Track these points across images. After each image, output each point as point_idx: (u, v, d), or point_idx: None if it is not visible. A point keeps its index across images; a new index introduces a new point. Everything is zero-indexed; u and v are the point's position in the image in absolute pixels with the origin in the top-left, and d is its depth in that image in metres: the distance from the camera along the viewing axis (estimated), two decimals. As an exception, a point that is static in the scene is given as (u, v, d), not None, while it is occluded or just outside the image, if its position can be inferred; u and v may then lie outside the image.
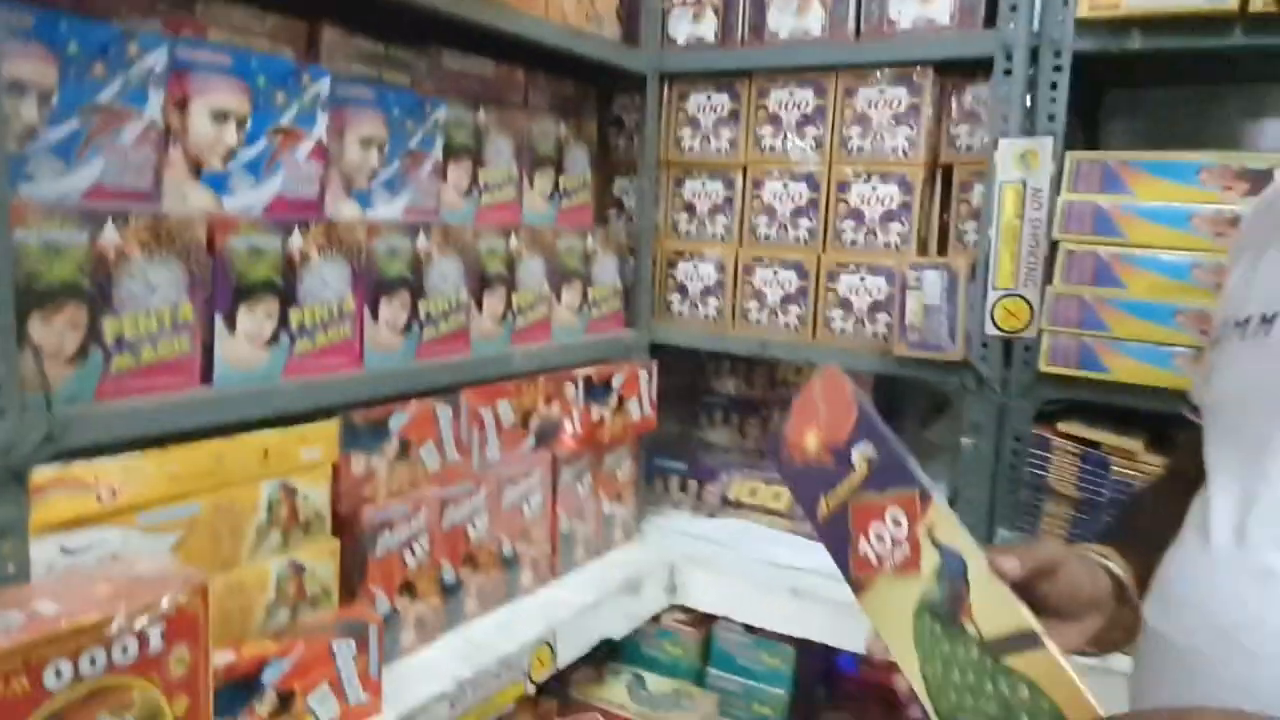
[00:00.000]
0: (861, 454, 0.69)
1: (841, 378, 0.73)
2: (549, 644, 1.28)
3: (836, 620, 1.41)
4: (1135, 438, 1.24)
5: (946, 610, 0.63)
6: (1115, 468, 1.22)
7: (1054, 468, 1.27)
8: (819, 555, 1.56)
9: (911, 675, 0.65)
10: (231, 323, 0.97)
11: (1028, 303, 1.29)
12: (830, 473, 0.70)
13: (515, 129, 1.40)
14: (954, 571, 0.63)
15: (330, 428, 1.05)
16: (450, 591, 1.23)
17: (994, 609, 0.61)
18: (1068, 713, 0.58)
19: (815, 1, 1.47)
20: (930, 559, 0.65)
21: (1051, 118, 1.26)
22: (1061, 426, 1.28)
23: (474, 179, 1.33)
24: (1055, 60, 1.25)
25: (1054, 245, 1.26)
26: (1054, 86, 1.26)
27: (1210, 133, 1.53)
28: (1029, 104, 1.29)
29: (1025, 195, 1.28)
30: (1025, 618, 0.60)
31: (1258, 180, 1.12)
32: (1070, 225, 1.24)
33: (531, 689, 1.24)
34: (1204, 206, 1.15)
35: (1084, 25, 1.21)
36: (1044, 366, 1.27)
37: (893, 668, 1.51)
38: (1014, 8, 1.27)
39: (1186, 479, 0.75)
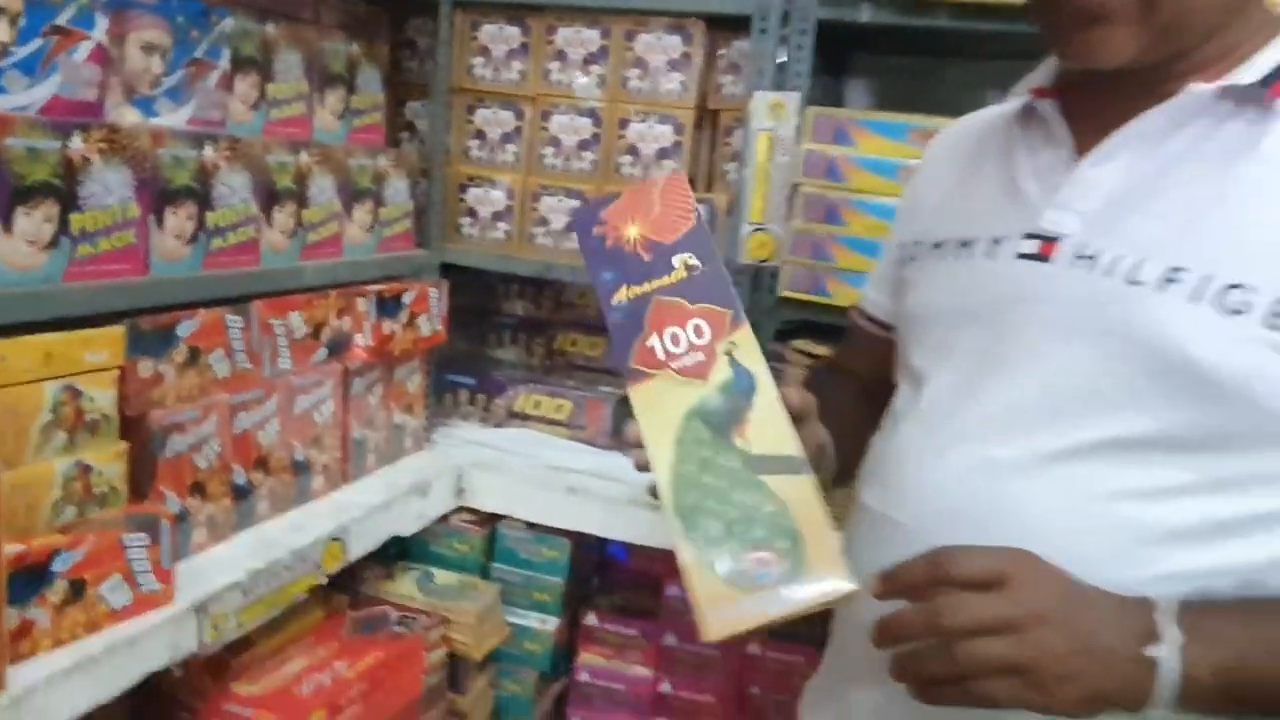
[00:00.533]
0: (684, 260, 0.71)
1: (685, 186, 0.74)
2: (340, 540, 1.37)
3: (607, 514, 1.60)
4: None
5: (721, 421, 0.66)
6: (835, 378, 1.47)
7: (788, 378, 1.50)
8: (593, 458, 1.73)
9: (659, 466, 0.66)
10: (8, 224, 0.96)
11: (774, 236, 1.50)
12: (642, 265, 0.71)
13: (305, 44, 1.41)
14: (742, 390, 0.66)
15: (115, 332, 1.08)
16: (242, 494, 1.29)
17: (770, 432, 0.65)
18: (808, 540, 0.62)
19: (602, -54, 1.58)
20: (722, 373, 0.67)
21: (798, 74, 1.46)
22: (795, 344, 1.51)
23: (262, 92, 1.35)
24: (802, 24, 1.44)
25: (795, 188, 1.46)
26: (800, 48, 1.45)
27: (936, 99, 1.78)
28: (782, 61, 1.47)
29: (775, 142, 1.47)
30: (797, 447, 0.65)
31: (950, 142, 1.37)
32: (808, 171, 1.44)
33: (324, 579, 1.34)
34: (909, 161, 1.39)
35: (825, -3, 1.40)
36: (783, 292, 1.49)
37: (659, 561, 1.74)
38: (771, -26, 1.44)
39: (854, 374, 0.95)
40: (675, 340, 0.69)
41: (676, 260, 0.71)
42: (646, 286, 0.70)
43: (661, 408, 0.67)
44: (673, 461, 0.66)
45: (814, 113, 1.44)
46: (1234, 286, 0.63)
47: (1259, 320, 0.62)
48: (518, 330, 2.03)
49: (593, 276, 0.73)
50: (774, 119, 1.47)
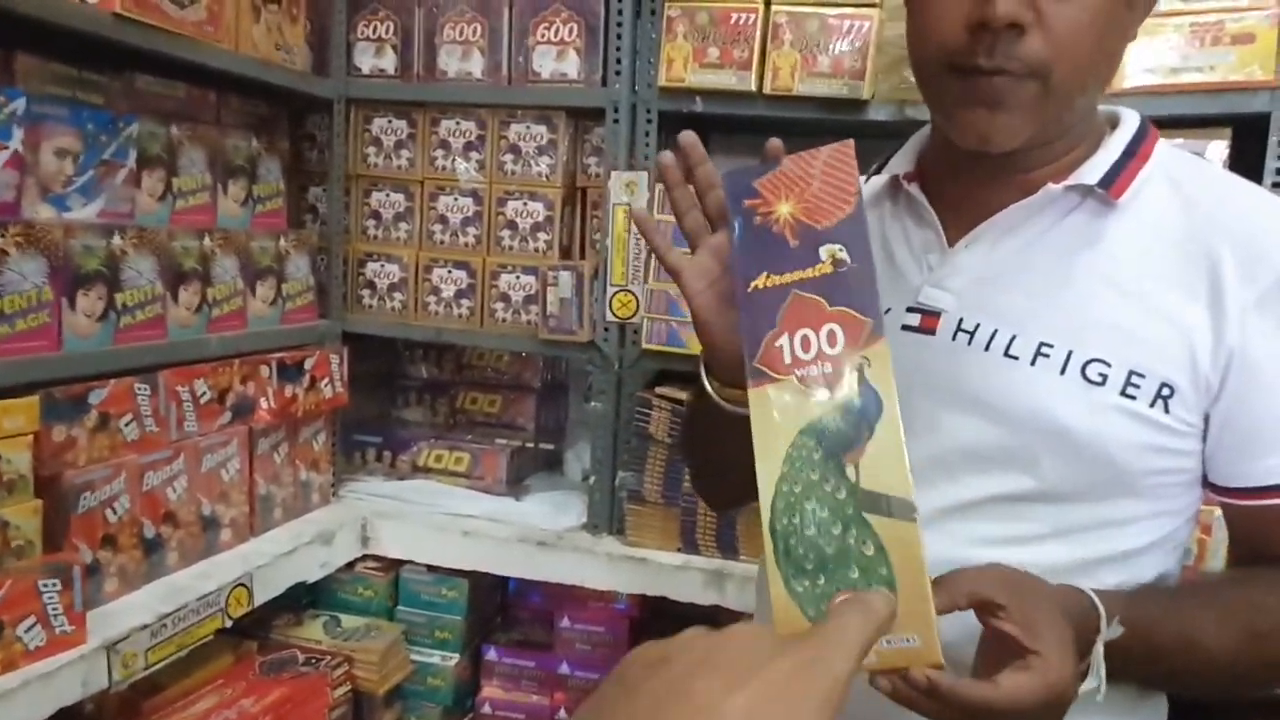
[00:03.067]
0: (832, 252, 0.65)
1: (851, 162, 0.67)
2: (245, 586, 1.50)
3: (500, 554, 1.75)
4: (707, 395, 1.68)
5: (836, 444, 0.61)
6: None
7: (654, 421, 1.69)
8: (489, 504, 1.88)
9: (764, 479, 0.61)
10: (-67, 310, 1.11)
11: (635, 296, 1.70)
12: (787, 250, 0.66)
13: (208, 142, 1.59)
14: (867, 414, 0.61)
15: (30, 402, 1.22)
16: (151, 546, 1.42)
17: (886, 467, 0.60)
18: (901, 587, 0.57)
19: (476, 50, 1.80)
20: (848, 390, 0.61)
21: (646, 157, 1.68)
22: (659, 390, 1.70)
23: (168, 186, 1.52)
24: (647, 114, 1.67)
25: (650, 253, 1.68)
26: (647, 134, 1.68)
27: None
28: (633, 145, 1.70)
29: (631, 215, 1.69)
30: (911, 490, 0.59)
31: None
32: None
33: (229, 622, 1.46)
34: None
35: (664, 91, 1.64)
36: (645, 344, 1.69)
37: (552, 596, 1.89)
38: (618, 73, 1.68)
39: None
40: (806, 345, 0.63)
41: (824, 251, 0.65)
42: (787, 277, 0.65)
43: (777, 416, 0.62)
44: (778, 478, 0.61)
45: (661, 189, 1.67)
46: (1092, 361, 0.71)
47: (1115, 390, 0.71)
48: (422, 391, 2.20)
49: (733, 254, 0.68)
50: (629, 194, 1.69)
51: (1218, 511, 1.37)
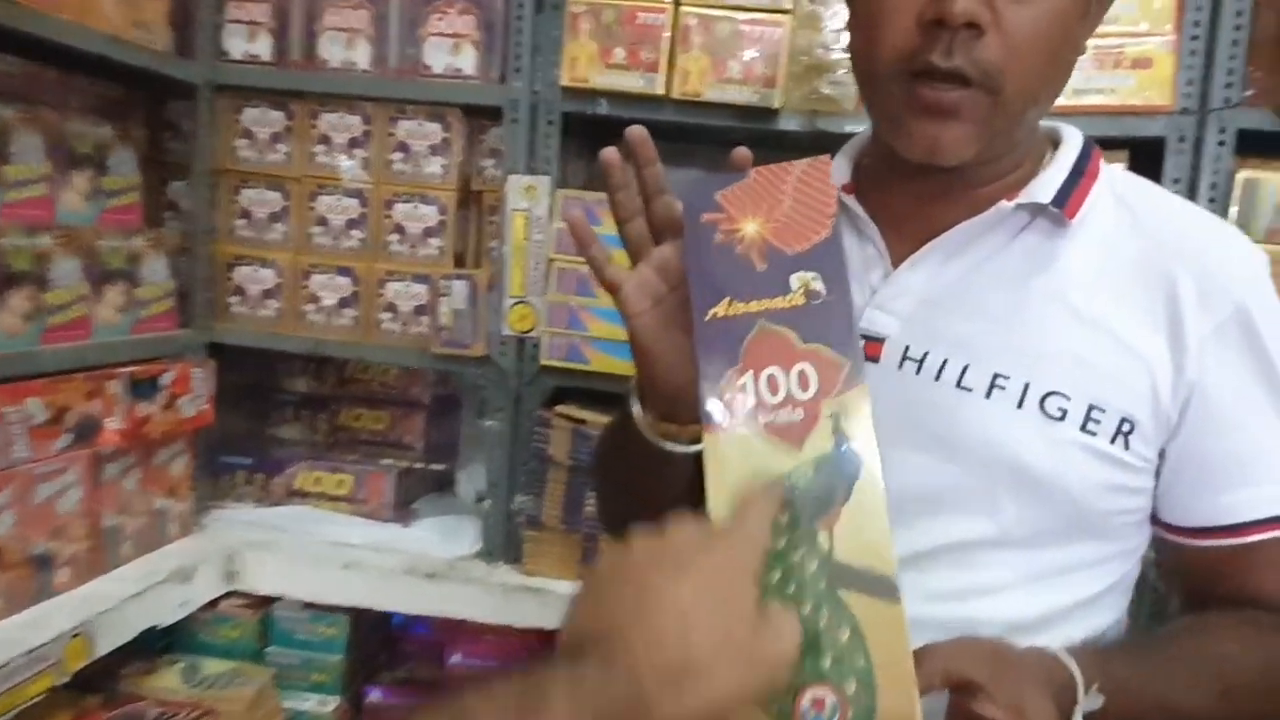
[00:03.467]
0: (805, 281, 0.58)
1: (827, 181, 0.61)
2: (83, 635, 1.31)
3: (385, 587, 1.61)
4: (611, 414, 1.59)
5: (807, 507, 0.53)
6: (595, 439, 1.57)
7: (553, 442, 1.58)
8: (373, 531, 1.73)
9: None
10: None
11: (534, 308, 1.59)
12: (753, 275, 0.58)
13: (46, 127, 1.40)
14: (844, 472, 0.53)
15: None
16: (-33, 592, 1.22)
17: (865, 537, 0.52)
18: (881, 683, 0.50)
19: (361, 38, 1.66)
20: (822, 443, 0.54)
21: (547, 161, 1.58)
22: (558, 409, 1.60)
23: (-4, 175, 1.32)
24: (548, 115, 1.57)
25: (550, 263, 1.57)
26: (548, 136, 1.57)
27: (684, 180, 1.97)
28: (533, 147, 1.59)
29: (530, 221, 1.58)
30: (891, 563, 0.52)
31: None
32: (560, 248, 1.56)
33: (65, 679, 1.27)
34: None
35: (567, 91, 1.54)
36: (544, 360, 1.58)
37: (441, 630, 1.75)
38: (518, 70, 1.57)
39: None
40: (773, 386, 0.56)
41: (796, 279, 0.57)
42: (754, 305, 0.57)
43: (737, 471, 0.54)
44: None
45: (562, 194, 1.57)
46: (1051, 394, 0.67)
47: (1075, 425, 0.67)
48: (300, 407, 2.02)
49: (690, 275, 0.59)
50: (528, 200, 1.58)
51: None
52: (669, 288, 0.64)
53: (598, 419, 1.58)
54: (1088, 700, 0.59)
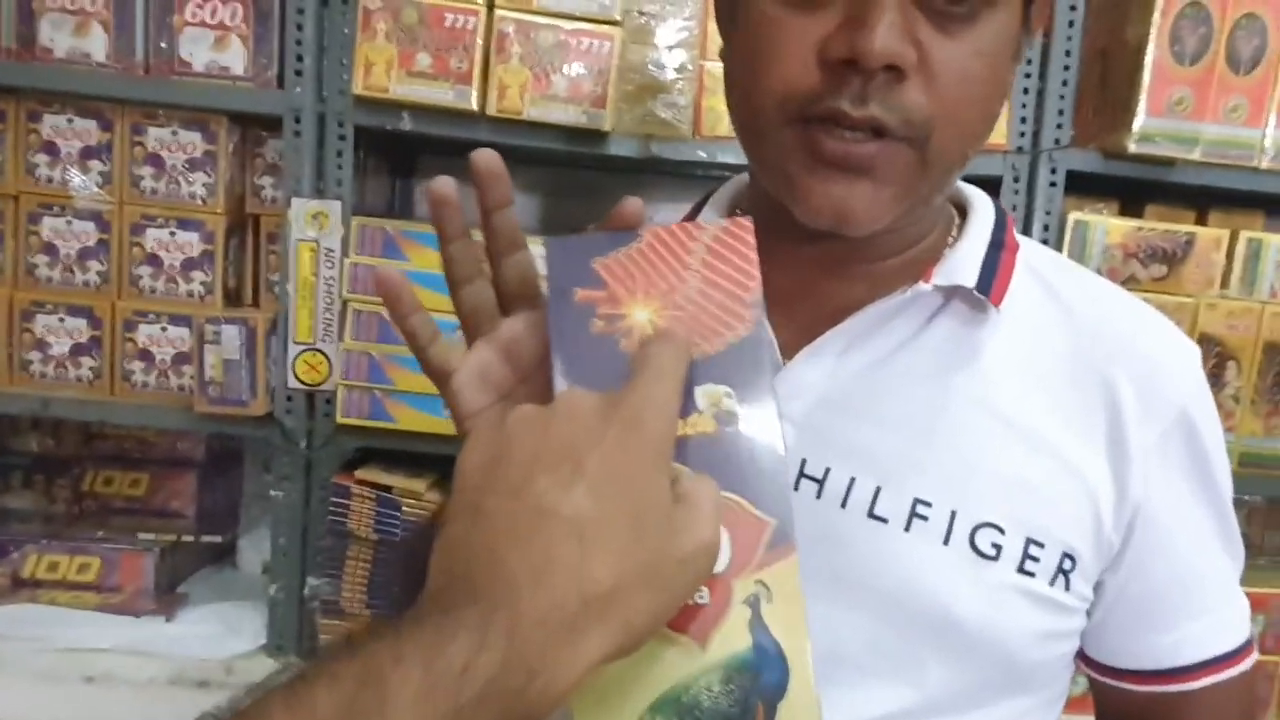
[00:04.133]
0: (715, 397, 0.42)
1: (750, 248, 0.45)
2: None
3: (143, 703, 1.31)
4: (422, 479, 1.37)
5: None
6: (405, 508, 1.34)
7: (353, 513, 1.35)
8: (127, 630, 1.42)
9: None
10: None
11: (326, 357, 1.35)
12: None
13: None
14: (762, 683, 0.40)
15: None
16: None
17: None
18: None
19: (96, 23, 1.34)
20: (733, 640, 0.40)
21: (339, 182, 1.33)
22: (359, 474, 1.36)
23: None
24: (339, 128, 1.33)
25: (345, 304, 1.33)
26: (340, 154, 1.33)
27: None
28: (321, 165, 1.34)
29: (320, 254, 1.33)
30: None
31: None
32: (356, 286, 1.32)
33: None
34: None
35: (361, 101, 1.30)
36: (340, 418, 1.34)
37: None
38: (299, 73, 1.31)
39: None
40: None
41: (703, 396, 0.42)
42: None
43: (615, 679, 0.38)
44: None
45: (359, 223, 1.33)
46: (982, 526, 0.55)
47: (1012, 565, 0.55)
48: (31, 472, 1.65)
49: (556, 375, 0.43)
50: (316, 228, 1.33)
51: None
52: (518, 378, 0.49)
53: (407, 484, 1.36)
54: None
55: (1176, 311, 1.40)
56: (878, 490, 0.55)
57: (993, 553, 0.55)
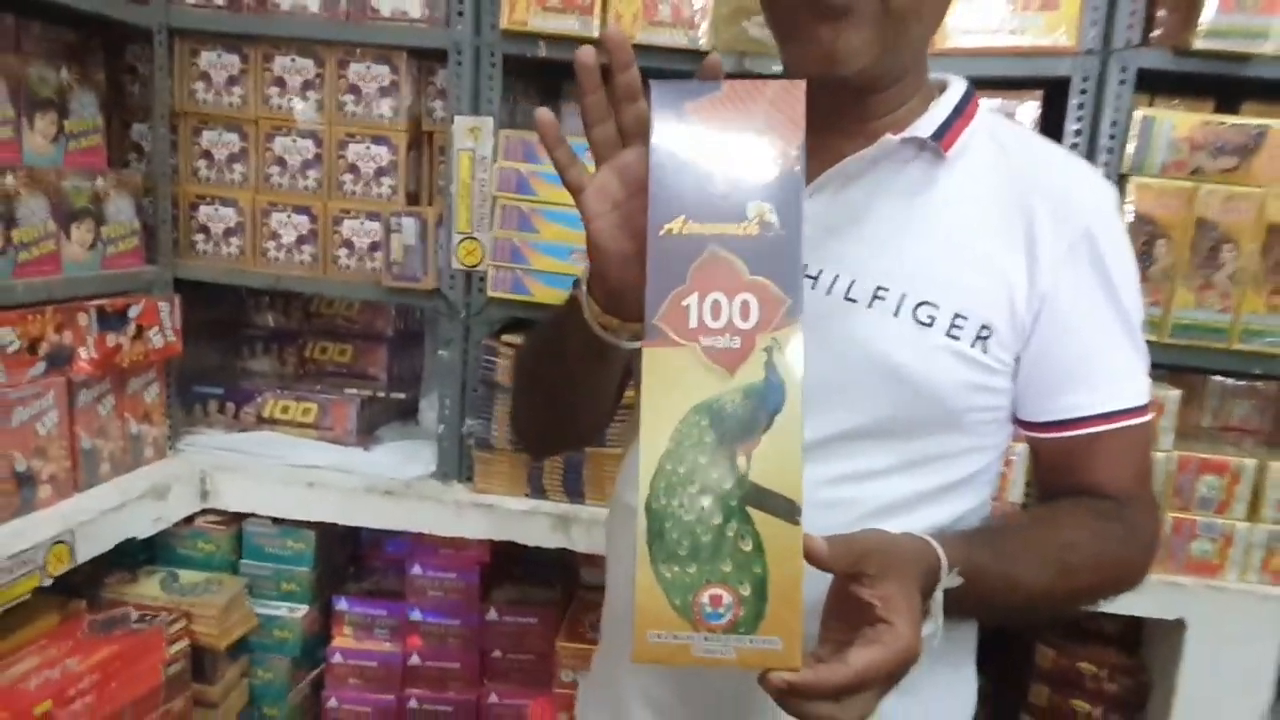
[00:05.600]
0: (760, 211, 0.59)
1: (801, 105, 0.60)
2: (65, 543, 1.44)
3: (347, 504, 1.74)
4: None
5: (730, 431, 0.57)
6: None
7: (500, 368, 1.69)
8: (336, 454, 1.85)
9: (647, 451, 0.57)
10: None
11: (480, 243, 1.69)
12: (711, 196, 0.59)
13: (9, 72, 1.47)
14: (767, 404, 0.57)
15: None
16: (-45, 505, 1.34)
17: (777, 463, 0.57)
18: (773, 589, 0.56)
19: (311, -18, 1.72)
20: (753, 373, 0.57)
21: (490, 101, 1.66)
22: (505, 337, 1.70)
23: (-39, 119, 1.40)
24: (490, 58, 1.64)
25: (494, 200, 1.66)
26: (491, 79, 1.65)
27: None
28: (477, 89, 1.67)
29: (475, 161, 1.67)
30: (799, 492, 0.57)
31: (619, 159, 1.61)
32: (502, 186, 1.65)
33: (48, 581, 1.40)
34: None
35: (508, 34, 1.61)
36: (490, 292, 1.68)
37: (401, 544, 1.88)
38: (460, 14, 1.64)
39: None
40: (716, 311, 0.58)
41: (753, 208, 0.58)
42: (707, 228, 0.59)
43: (672, 386, 0.57)
44: (662, 454, 0.57)
45: (504, 134, 1.65)
46: (923, 304, 0.76)
47: (942, 331, 0.76)
48: (269, 341, 2.13)
49: (652, 181, 0.59)
50: (473, 140, 1.66)
51: (1018, 448, 1.50)
52: (628, 193, 0.66)
53: (541, 347, 1.68)
54: (948, 580, 0.67)
55: (1243, 201, 1.48)
56: (852, 282, 0.77)
57: (929, 321, 0.76)
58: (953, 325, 0.76)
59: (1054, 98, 1.64)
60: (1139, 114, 1.50)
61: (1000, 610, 0.78)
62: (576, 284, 0.75)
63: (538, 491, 1.72)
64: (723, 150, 0.59)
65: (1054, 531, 0.80)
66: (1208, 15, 1.42)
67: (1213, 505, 1.55)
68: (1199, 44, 1.43)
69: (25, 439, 1.46)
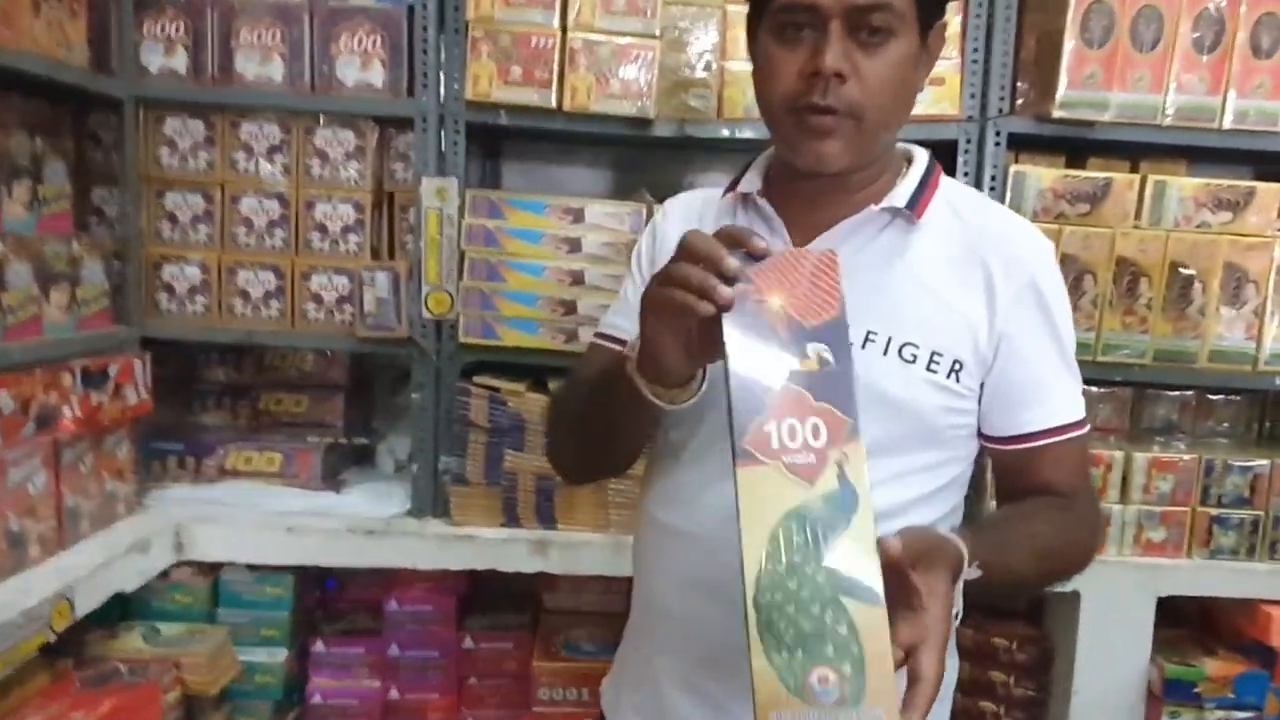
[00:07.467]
0: (818, 351, 0.71)
1: (836, 270, 0.73)
2: (67, 599, 1.47)
3: (328, 546, 1.81)
4: (522, 382, 1.85)
5: (817, 531, 0.67)
6: (510, 403, 1.82)
7: (473, 408, 1.83)
8: (309, 500, 1.92)
9: (749, 554, 0.67)
10: None
11: (449, 294, 1.83)
12: (777, 340, 0.72)
13: (-9, 144, 1.52)
14: (844, 507, 0.68)
15: None
16: (-41, 567, 1.36)
17: (857, 556, 0.66)
18: (869, 665, 0.64)
19: (276, 55, 1.83)
20: (829, 483, 0.68)
21: (455, 165, 1.81)
22: (476, 379, 1.84)
23: (-49, 190, 1.44)
24: (455, 125, 1.80)
25: (463, 254, 1.81)
26: (455, 144, 1.81)
27: (568, 179, 2.22)
28: (442, 152, 1.82)
29: (442, 218, 1.81)
30: (878, 579, 0.66)
31: (578, 214, 1.79)
32: (471, 240, 1.80)
33: (53, 637, 1.43)
34: (548, 230, 1.79)
35: (470, 105, 1.78)
36: (462, 338, 1.82)
37: (376, 584, 1.96)
38: (425, 85, 1.79)
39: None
40: (792, 434, 0.69)
41: (812, 349, 0.70)
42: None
43: (765, 498, 0.68)
44: (763, 556, 0.66)
45: (471, 194, 1.81)
46: (906, 344, 0.91)
47: (923, 366, 0.91)
48: (221, 396, 2.17)
49: (728, 327, 0.72)
50: (440, 200, 1.81)
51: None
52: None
53: (511, 386, 1.83)
54: (969, 572, 0.78)
55: (1097, 239, 1.81)
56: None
57: (912, 359, 0.92)
58: (931, 361, 0.93)
59: (943, 157, 1.94)
60: (1013, 169, 1.81)
61: (997, 590, 0.88)
62: (599, 335, 0.99)
63: (513, 520, 1.85)
64: (781, 304, 0.73)
65: (1030, 525, 0.97)
66: (1061, 90, 1.75)
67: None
68: (1057, 113, 1.76)
69: (19, 500, 1.48)
